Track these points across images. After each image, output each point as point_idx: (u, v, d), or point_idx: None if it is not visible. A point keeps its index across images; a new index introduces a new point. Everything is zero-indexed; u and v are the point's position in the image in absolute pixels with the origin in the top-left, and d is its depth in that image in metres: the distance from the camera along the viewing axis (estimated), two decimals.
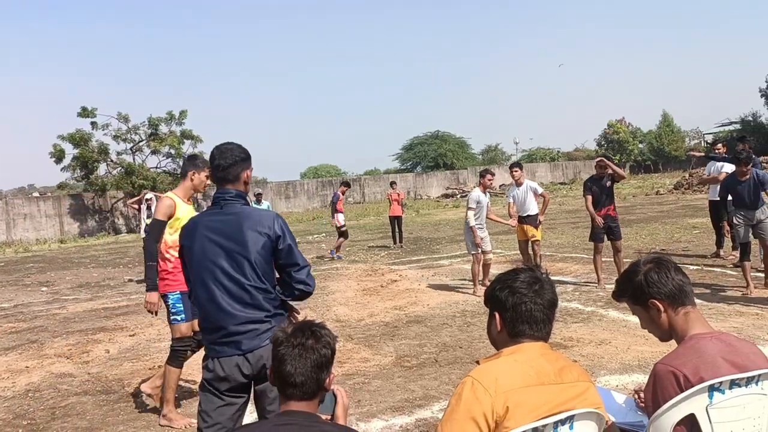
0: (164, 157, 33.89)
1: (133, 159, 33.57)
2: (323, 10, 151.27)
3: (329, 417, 1.99)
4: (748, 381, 1.93)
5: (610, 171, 8.14)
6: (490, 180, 8.62)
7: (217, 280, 2.74)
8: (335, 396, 2.02)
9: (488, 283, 8.26)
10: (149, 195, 13.40)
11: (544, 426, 1.78)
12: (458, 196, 38.30)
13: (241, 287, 2.72)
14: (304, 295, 2.85)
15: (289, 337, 1.94)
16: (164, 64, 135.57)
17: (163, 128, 33.69)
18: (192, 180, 4.55)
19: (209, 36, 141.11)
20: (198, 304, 2.82)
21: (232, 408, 2.75)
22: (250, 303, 2.73)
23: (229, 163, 2.83)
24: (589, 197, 8.21)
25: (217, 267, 2.74)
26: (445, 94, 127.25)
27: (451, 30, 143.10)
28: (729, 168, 9.37)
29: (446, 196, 41.00)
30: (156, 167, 33.89)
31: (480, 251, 8.45)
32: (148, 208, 12.72)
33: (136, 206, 13.33)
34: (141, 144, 33.83)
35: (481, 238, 8.41)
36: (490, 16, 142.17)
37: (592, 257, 10.19)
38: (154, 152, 33.66)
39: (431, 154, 52.49)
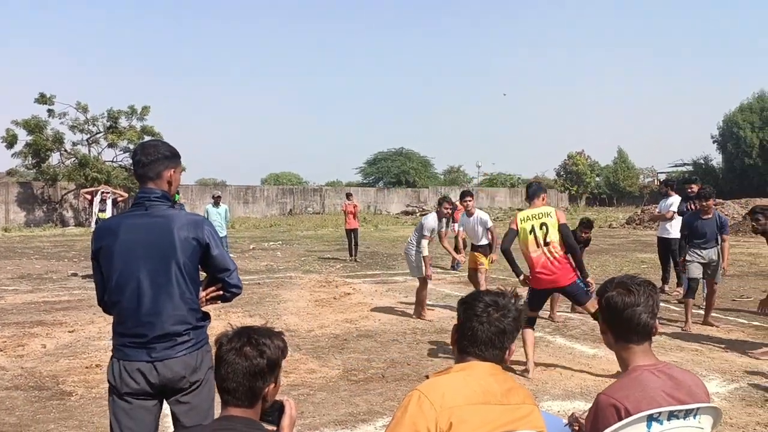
0: (121, 152, 33.10)
1: (89, 151, 32.69)
2: (294, 18, 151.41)
3: (275, 428, 1.94)
4: (687, 414, 1.97)
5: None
6: (447, 209, 8.25)
7: (140, 286, 2.57)
8: (283, 406, 1.97)
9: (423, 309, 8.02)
10: (106, 189, 13.05)
11: None
12: (418, 214, 38.54)
13: (167, 294, 2.59)
14: (235, 296, 2.80)
15: (229, 341, 1.89)
16: (130, 58, 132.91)
17: (123, 122, 32.98)
18: (544, 199, 5.80)
19: (178, 36, 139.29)
20: (117, 310, 2.63)
21: (144, 411, 2.61)
22: (172, 314, 2.59)
23: (150, 160, 2.66)
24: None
25: (142, 272, 2.57)
26: (412, 112, 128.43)
27: (421, 51, 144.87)
28: (677, 206, 9.69)
29: (406, 213, 41.23)
30: (112, 161, 33.07)
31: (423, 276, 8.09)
32: (102, 201, 12.38)
33: (89, 197, 12.95)
34: (98, 136, 32.98)
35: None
36: (460, 41, 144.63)
37: None
38: (111, 145, 32.84)
39: (394, 170, 52.79)
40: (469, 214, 8.58)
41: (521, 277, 5.82)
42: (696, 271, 7.41)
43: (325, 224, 31.38)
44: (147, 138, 32.21)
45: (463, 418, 1.80)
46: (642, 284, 2.08)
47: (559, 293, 6.25)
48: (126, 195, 14.28)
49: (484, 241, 8.50)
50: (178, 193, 13.50)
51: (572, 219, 14.06)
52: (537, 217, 5.61)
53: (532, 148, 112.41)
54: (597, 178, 57.84)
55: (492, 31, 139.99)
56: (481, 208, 9.03)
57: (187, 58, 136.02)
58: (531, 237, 5.57)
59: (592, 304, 5.55)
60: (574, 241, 5.71)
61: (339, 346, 6.70)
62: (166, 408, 2.71)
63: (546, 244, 5.52)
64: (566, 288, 5.61)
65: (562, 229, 5.57)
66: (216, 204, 13.63)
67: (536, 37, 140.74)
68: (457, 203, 13.40)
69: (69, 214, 31.94)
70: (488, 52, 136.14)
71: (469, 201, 8.61)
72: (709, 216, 7.44)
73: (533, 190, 5.89)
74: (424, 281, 8.08)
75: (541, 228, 5.55)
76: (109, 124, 32.72)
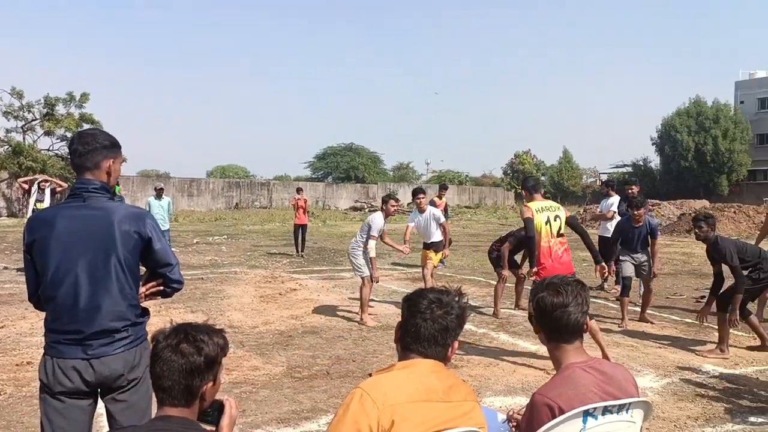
0: (58, 140, 31.81)
1: (23, 138, 31.29)
2: (242, 6, 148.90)
3: (213, 429, 1.89)
4: (620, 408, 2.04)
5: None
6: (393, 207, 8.02)
7: (78, 281, 2.48)
8: (223, 406, 1.92)
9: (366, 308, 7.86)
10: (45, 179, 12.49)
11: None
12: (366, 210, 38.57)
13: (105, 290, 2.50)
14: (176, 292, 2.74)
15: (165, 338, 1.83)
16: (69, 43, 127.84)
17: (61, 109, 31.70)
18: (544, 194, 6.00)
19: (119, 20, 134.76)
20: (52, 305, 2.52)
21: (78, 410, 2.52)
22: (111, 309, 2.50)
23: (87, 149, 2.56)
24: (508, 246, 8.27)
25: (79, 266, 2.47)
26: (362, 107, 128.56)
27: (370, 47, 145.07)
28: (617, 206, 10.03)
29: (355, 209, 41.17)
30: (48, 149, 31.77)
31: (368, 276, 7.81)
32: (40, 191, 11.84)
33: (26, 186, 12.38)
34: (34, 123, 31.61)
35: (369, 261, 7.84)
36: (408, 41, 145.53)
37: (488, 281, 10.52)
38: (47, 133, 31.53)
39: (343, 165, 52.64)
40: (421, 211, 8.56)
41: (535, 269, 5.80)
42: (629, 269, 7.69)
43: (273, 219, 31.00)
44: (86, 126, 31.13)
45: (405, 416, 1.81)
46: (571, 284, 2.15)
47: None
48: (65, 185, 13.68)
49: (436, 238, 8.51)
50: (118, 184, 13.08)
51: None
52: (550, 209, 5.92)
53: (480, 147, 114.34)
54: (542, 177, 59.27)
55: (442, 31, 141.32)
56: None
57: (129, 44, 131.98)
58: (546, 228, 5.79)
59: None
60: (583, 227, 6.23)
61: (283, 342, 6.63)
62: (100, 407, 2.61)
63: (559, 235, 5.83)
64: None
65: (571, 220, 6.08)
66: (158, 196, 13.27)
67: (486, 39, 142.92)
68: (435, 198, 13.49)
69: (1, 204, 30.49)
70: (436, 52, 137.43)
71: (422, 198, 8.62)
72: (640, 224, 7.72)
73: (534, 184, 6.16)
74: (368, 281, 7.83)
75: (555, 220, 5.84)
76: (45, 111, 31.40)
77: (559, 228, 5.86)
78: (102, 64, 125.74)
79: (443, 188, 14.28)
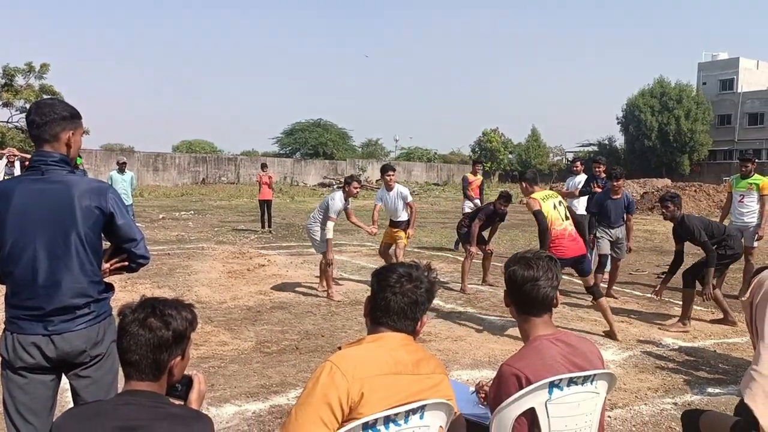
0: (17, 112, 30.84)
1: None
2: None
3: (182, 403, 1.88)
4: (585, 380, 2.09)
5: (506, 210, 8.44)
6: (356, 188, 7.86)
7: (36, 257, 2.41)
8: (191, 380, 1.91)
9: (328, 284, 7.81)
10: (13, 152, 12.09)
11: (396, 414, 1.82)
12: (335, 187, 38.44)
13: (65, 266, 2.43)
14: (141, 267, 2.68)
15: (133, 312, 1.81)
16: (29, 9, 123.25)
17: (20, 80, 30.68)
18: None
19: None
20: (10, 280, 2.46)
21: (40, 386, 2.47)
22: (71, 286, 2.44)
23: (45, 120, 2.45)
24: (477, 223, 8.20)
25: (38, 242, 2.40)
26: (331, 83, 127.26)
27: (341, 21, 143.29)
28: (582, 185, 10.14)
29: (323, 185, 41.02)
30: (7, 121, 30.78)
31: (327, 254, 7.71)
32: (9, 164, 11.46)
33: None
34: None
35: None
36: (380, 16, 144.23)
37: (456, 257, 10.62)
38: (6, 105, 30.56)
39: (312, 141, 52.24)
40: (389, 188, 8.46)
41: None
42: (605, 246, 7.79)
43: (240, 194, 30.71)
44: (46, 98, 30.11)
45: (375, 388, 1.82)
46: (542, 258, 2.19)
47: (575, 263, 6.16)
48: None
49: (404, 216, 8.45)
50: (80, 156, 12.73)
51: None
52: (552, 196, 6.21)
53: (448, 124, 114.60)
54: (510, 156, 59.76)
55: (412, 10, 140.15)
56: (398, 182, 8.99)
57: (93, 14, 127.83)
58: (556, 213, 6.03)
59: (591, 278, 6.23)
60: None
61: (252, 318, 6.60)
62: (65, 383, 2.57)
63: (567, 218, 6.11)
64: (584, 256, 6.14)
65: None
66: (121, 170, 12.99)
67: (455, 20, 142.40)
68: (469, 174, 12.25)
69: None
70: (406, 30, 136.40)
71: (391, 175, 8.50)
72: (619, 196, 7.82)
73: (533, 177, 6.35)
74: (325, 257, 7.74)
75: (560, 204, 6.14)
76: (3, 81, 30.37)
77: (566, 211, 6.17)
78: (64, 34, 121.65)
79: (477, 163, 12.63)
